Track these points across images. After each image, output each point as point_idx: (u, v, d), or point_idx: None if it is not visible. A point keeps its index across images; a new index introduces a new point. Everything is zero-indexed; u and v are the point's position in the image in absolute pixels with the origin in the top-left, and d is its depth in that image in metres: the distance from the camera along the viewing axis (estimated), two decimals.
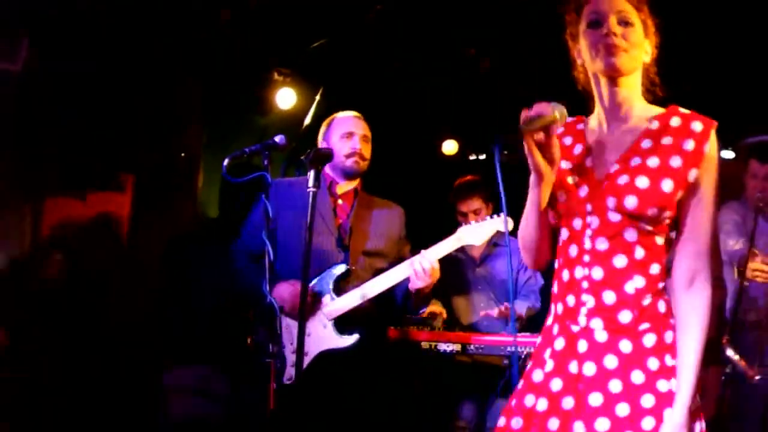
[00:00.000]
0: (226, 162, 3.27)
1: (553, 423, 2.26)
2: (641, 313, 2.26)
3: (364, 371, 3.87)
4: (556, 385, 2.30)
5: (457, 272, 5.14)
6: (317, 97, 6.07)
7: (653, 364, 2.23)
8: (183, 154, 5.98)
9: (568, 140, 2.46)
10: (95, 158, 5.92)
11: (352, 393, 3.81)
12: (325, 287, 3.80)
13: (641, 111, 2.37)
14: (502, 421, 2.39)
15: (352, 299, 3.78)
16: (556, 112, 2.21)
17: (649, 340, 2.25)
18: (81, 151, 5.82)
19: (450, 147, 6.99)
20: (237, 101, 6.16)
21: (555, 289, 2.43)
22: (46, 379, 5.15)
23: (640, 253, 2.27)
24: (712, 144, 2.26)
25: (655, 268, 2.28)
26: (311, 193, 3.12)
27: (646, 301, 2.27)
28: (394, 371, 4.21)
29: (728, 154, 6.27)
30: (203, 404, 4.88)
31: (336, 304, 3.78)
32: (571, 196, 2.36)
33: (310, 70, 5.96)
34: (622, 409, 2.20)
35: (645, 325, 2.26)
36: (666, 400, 2.20)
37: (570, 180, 2.38)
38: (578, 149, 2.42)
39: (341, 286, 3.83)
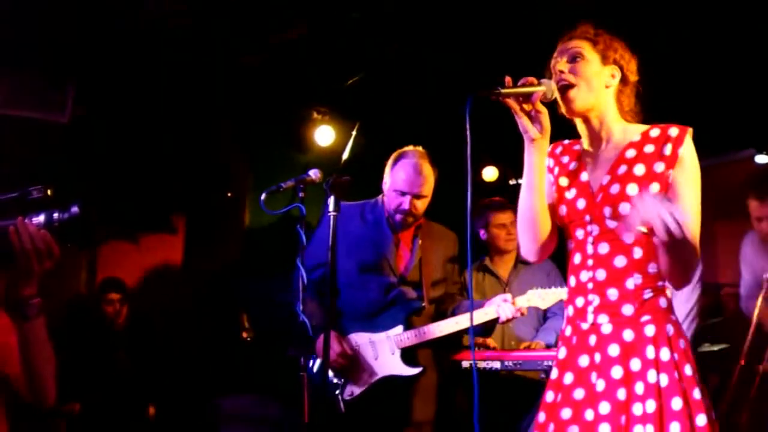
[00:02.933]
0: (263, 196, 3.42)
1: (566, 413, 2.50)
2: (642, 306, 2.49)
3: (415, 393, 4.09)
4: (568, 378, 2.54)
5: (485, 292, 5.21)
6: (353, 132, 6.20)
7: (650, 352, 2.44)
8: (230, 194, 6.17)
9: (565, 159, 2.73)
10: (146, 202, 6.13)
11: (403, 411, 4.03)
12: (399, 319, 4.02)
13: (621, 132, 2.62)
14: (542, 417, 2.61)
15: (418, 336, 4.00)
16: (543, 85, 2.49)
17: (650, 330, 2.47)
18: (132, 196, 6.02)
19: (490, 173, 7.08)
20: (279, 141, 6.34)
21: (566, 296, 2.68)
22: (105, 408, 5.34)
23: (638, 253, 2.50)
24: (686, 146, 2.51)
25: (653, 267, 2.51)
26: (332, 217, 3.29)
27: (647, 295, 2.50)
28: (441, 391, 4.33)
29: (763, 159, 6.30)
30: (257, 431, 5.00)
31: (404, 336, 4.00)
32: (570, 209, 2.61)
33: (346, 106, 6.11)
34: (621, 394, 2.42)
35: (646, 317, 2.48)
36: (651, 390, 2.40)
37: (568, 195, 2.64)
38: (573, 166, 2.67)
39: (413, 319, 4.06)
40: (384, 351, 3.98)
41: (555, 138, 2.72)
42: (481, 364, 4.48)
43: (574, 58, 2.59)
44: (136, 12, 4.80)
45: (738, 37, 5.15)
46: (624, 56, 2.65)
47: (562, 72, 2.56)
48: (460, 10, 4.97)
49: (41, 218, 2.26)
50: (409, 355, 4.00)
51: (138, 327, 5.97)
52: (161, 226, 6.46)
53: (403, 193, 4.00)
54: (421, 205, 4.06)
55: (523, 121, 2.51)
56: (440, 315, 4.15)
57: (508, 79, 2.50)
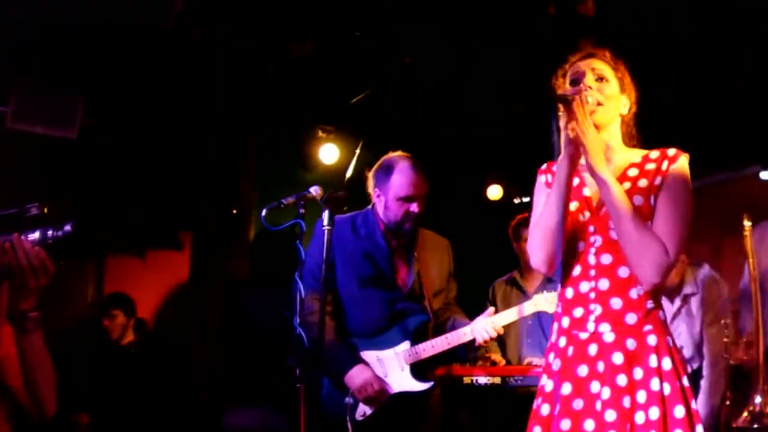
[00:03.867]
0: (264, 212, 3.45)
1: (565, 424, 2.49)
2: (645, 316, 2.52)
3: (432, 412, 4.05)
4: (566, 389, 2.53)
5: (510, 305, 5.24)
6: (357, 150, 6.25)
7: (653, 361, 2.48)
8: (235, 211, 6.22)
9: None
10: (153, 219, 6.18)
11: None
12: (405, 334, 3.96)
13: (622, 154, 2.69)
14: (530, 425, 2.62)
15: (426, 350, 3.94)
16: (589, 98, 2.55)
17: (652, 339, 2.51)
18: (139, 213, 6.09)
19: (495, 192, 7.10)
20: (285, 158, 6.39)
21: (559, 308, 2.67)
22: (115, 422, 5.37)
23: None
24: (680, 164, 2.58)
25: None
26: (326, 232, 3.29)
27: (649, 305, 2.53)
28: (443, 408, 4.33)
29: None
30: None
31: (413, 351, 3.93)
32: (573, 221, 2.64)
33: (351, 124, 6.17)
34: (627, 402, 2.44)
35: (648, 327, 2.52)
36: (655, 398, 2.43)
37: (570, 207, 2.65)
38: (576, 182, 2.69)
39: (419, 333, 3.98)
40: (393, 368, 3.92)
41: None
42: (482, 380, 4.50)
43: (600, 79, 2.66)
44: (145, 29, 4.87)
45: (742, 54, 5.19)
46: (632, 88, 2.75)
47: (591, 88, 2.60)
48: (463, 28, 5.03)
49: (36, 235, 2.32)
50: (419, 370, 3.94)
51: (146, 343, 6.01)
52: (168, 243, 6.51)
53: (410, 199, 3.88)
54: (423, 207, 3.95)
55: (573, 133, 2.51)
56: (439, 326, 4.09)
57: (575, 89, 2.53)
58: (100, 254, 6.08)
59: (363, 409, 3.84)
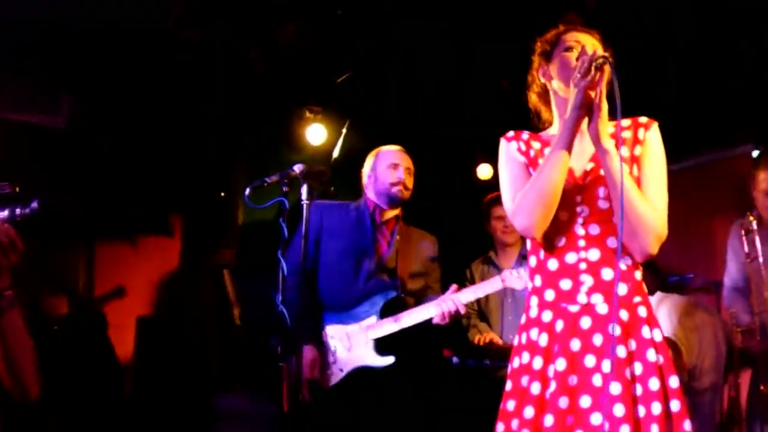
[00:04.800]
0: (247, 191, 3.45)
1: (563, 401, 2.44)
2: (634, 287, 2.53)
3: (396, 388, 4.07)
4: (561, 365, 2.48)
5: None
6: (344, 130, 6.24)
7: (646, 332, 2.48)
8: (223, 194, 6.20)
9: (537, 145, 2.73)
10: (143, 204, 6.17)
11: (384, 407, 4.02)
12: (373, 309, 4.04)
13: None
14: (510, 405, 2.56)
15: (390, 326, 3.99)
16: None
17: (642, 311, 2.52)
18: (129, 198, 6.07)
19: (485, 171, 7.08)
20: (273, 140, 6.38)
21: (537, 282, 2.62)
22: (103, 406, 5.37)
23: None
24: (655, 130, 2.60)
25: None
26: (305, 206, 3.32)
27: (638, 276, 2.54)
28: (427, 388, 4.33)
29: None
30: (252, 429, 5.01)
31: (376, 326, 4.00)
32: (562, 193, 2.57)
33: (339, 104, 6.14)
34: (627, 373, 2.43)
35: (638, 298, 2.52)
36: (653, 369, 2.42)
37: None
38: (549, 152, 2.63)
39: (387, 309, 4.05)
40: (358, 342, 3.99)
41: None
42: (471, 362, 4.52)
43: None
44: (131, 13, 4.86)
45: (737, 33, 5.18)
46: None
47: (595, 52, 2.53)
48: (450, 4, 5.02)
49: (5, 213, 2.35)
50: (383, 345, 3.99)
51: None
52: (158, 228, 6.49)
53: (396, 165, 4.22)
54: (410, 181, 4.26)
55: (597, 97, 2.47)
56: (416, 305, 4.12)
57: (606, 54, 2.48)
58: (81, 237, 6.05)
59: (327, 381, 3.95)
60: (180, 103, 5.82)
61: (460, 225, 6.34)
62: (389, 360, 3.95)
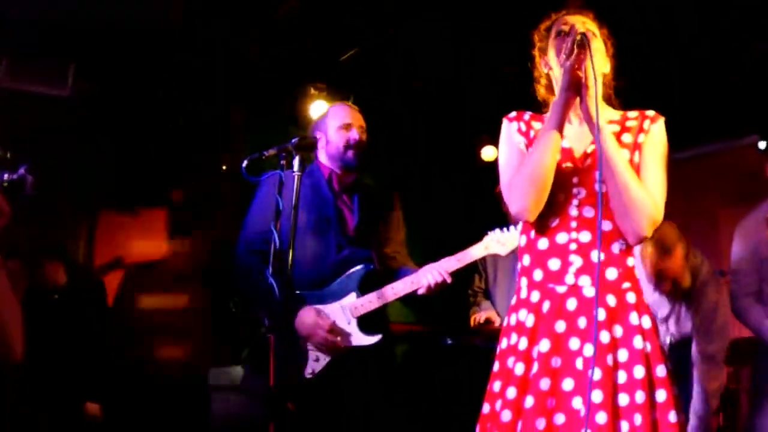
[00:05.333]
0: (244, 163, 3.35)
1: (544, 383, 2.42)
2: (624, 272, 2.50)
3: (386, 368, 3.88)
4: (544, 346, 2.46)
5: (497, 265, 5.23)
6: None
7: (634, 319, 2.45)
8: (225, 168, 6.20)
9: (538, 125, 2.70)
10: (145, 176, 6.19)
11: (374, 389, 3.80)
12: (351, 285, 3.80)
13: (603, 111, 2.58)
14: (496, 386, 2.54)
15: (373, 303, 3.77)
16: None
17: (631, 297, 2.49)
18: (132, 170, 6.09)
19: (490, 153, 7.06)
20: (276, 116, 6.36)
21: (526, 261, 2.61)
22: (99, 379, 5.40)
23: None
24: (660, 125, 2.58)
25: None
26: (296, 177, 3.18)
27: (630, 262, 2.51)
28: (419, 368, 4.29)
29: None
30: (243, 402, 5.00)
31: (359, 303, 3.77)
32: (558, 173, 2.55)
33: (344, 81, 6.11)
34: (610, 360, 2.39)
35: (626, 284, 2.49)
36: (638, 356, 2.39)
37: None
38: None
39: (365, 284, 3.81)
40: (340, 322, 3.73)
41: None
42: (448, 340, 4.44)
43: (592, 33, 2.59)
44: None
45: (742, 23, 5.14)
46: (611, 53, 2.71)
47: (588, 31, 2.54)
48: None
49: None
50: (366, 323, 3.75)
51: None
52: (159, 200, 6.51)
53: (347, 126, 3.93)
54: (364, 140, 3.96)
55: (583, 74, 2.47)
56: (387, 274, 3.91)
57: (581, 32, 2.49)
58: (81, 206, 6.08)
59: (312, 367, 3.67)
60: (184, 76, 5.81)
61: (465, 206, 6.34)
62: (376, 338, 3.72)
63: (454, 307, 5.30)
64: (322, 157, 4.00)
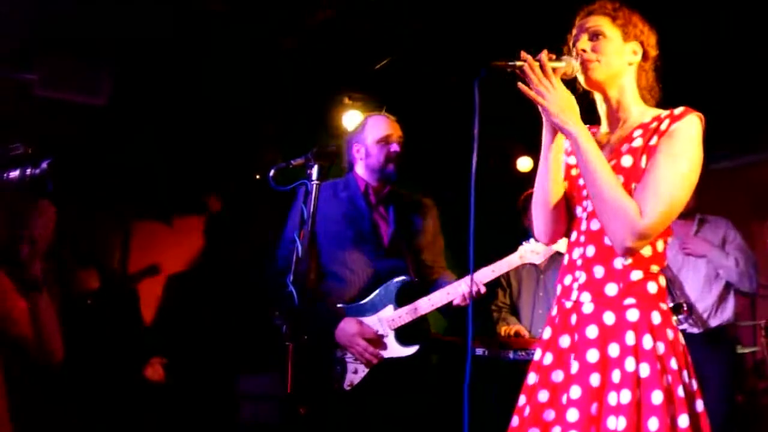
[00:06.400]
0: (271, 172, 3.36)
1: (543, 395, 2.41)
2: (627, 287, 2.36)
3: (421, 378, 3.92)
4: (548, 359, 2.46)
5: (521, 279, 5.21)
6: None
7: (629, 339, 2.31)
8: (258, 176, 6.22)
9: None
10: (180, 185, 6.22)
11: (411, 400, 3.85)
12: (388, 297, 3.84)
13: (638, 114, 2.53)
14: (522, 400, 2.53)
15: (409, 315, 3.82)
16: (563, 61, 2.45)
17: (633, 315, 2.34)
18: (166, 179, 6.12)
19: (525, 164, 7.03)
20: (310, 126, 6.36)
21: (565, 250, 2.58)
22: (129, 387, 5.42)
23: None
24: (684, 122, 2.38)
25: (646, 250, 2.40)
26: (314, 186, 3.16)
27: (635, 276, 2.37)
28: (450, 380, 4.26)
29: None
30: (270, 410, 5.01)
31: (396, 315, 3.82)
32: (572, 186, 2.56)
33: (377, 91, 6.09)
34: (595, 380, 2.30)
35: (630, 300, 2.36)
36: (628, 379, 2.26)
37: (573, 172, 2.57)
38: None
39: (402, 296, 3.86)
40: (378, 334, 3.79)
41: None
42: (478, 351, 4.44)
43: (596, 36, 2.54)
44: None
45: None
46: (644, 30, 2.60)
47: (584, 51, 2.52)
48: None
49: (17, 173, 2.44)
50: (403, 334, 3.81)
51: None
52: (194, 209, 6.55)
53: (388, 139, 3.95)
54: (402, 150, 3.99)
55: (533, 98, 2.43)
56: (424, 284, 3.98)
57: (523, 54, 2.42)
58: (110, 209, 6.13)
59: (350, 379, 3.73)
60: (218, 85, 5.83)
61: (501, 217, 6.28)
62: (414, 349, 3.78)
63: (482, 319, 5.29)
64: (360, 169, 4.03)
